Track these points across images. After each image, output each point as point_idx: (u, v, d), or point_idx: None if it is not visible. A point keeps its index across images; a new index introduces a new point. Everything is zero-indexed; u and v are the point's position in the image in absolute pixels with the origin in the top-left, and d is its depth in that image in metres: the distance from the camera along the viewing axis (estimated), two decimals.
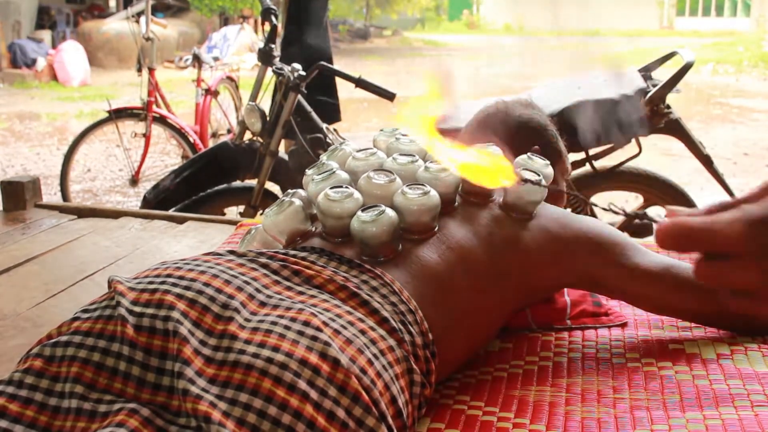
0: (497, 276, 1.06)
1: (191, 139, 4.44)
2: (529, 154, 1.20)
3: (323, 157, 1.21)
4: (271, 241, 1.11)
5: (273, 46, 2.88)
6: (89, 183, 5.34)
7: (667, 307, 1.15)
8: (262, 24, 3.06)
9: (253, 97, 2.99)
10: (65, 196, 4.24)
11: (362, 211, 1.01)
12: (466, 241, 1.05)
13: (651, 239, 2.47)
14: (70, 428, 0.77)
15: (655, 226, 0.57)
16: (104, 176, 5.49)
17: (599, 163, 2.59)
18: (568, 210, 1.33)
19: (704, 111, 8.79)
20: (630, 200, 4.02)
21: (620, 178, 2.62)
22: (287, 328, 0.82)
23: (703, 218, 0.54)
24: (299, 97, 2.73)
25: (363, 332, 0.86)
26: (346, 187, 1.06)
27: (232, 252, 0.98)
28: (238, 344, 0.81)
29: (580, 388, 1.01)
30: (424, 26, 30.19)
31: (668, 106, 2.46)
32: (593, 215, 2.56)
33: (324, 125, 2.86)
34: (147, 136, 4.38)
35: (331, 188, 1.05)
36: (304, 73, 2.71)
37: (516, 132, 1.28)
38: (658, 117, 2.40)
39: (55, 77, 10.84)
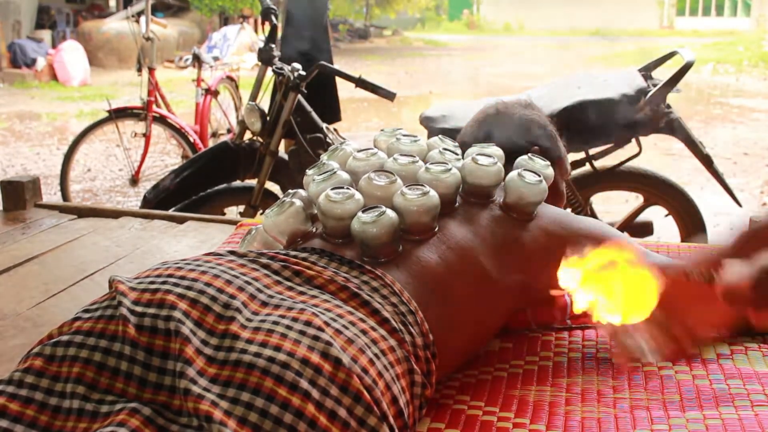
0: (498, 276, 1.06)
1: (191, 139, 4.44)
2: (529, 154, 1.20)
3: (323, 157, 1.21)
4: (272, 242, 1.11)
5: (273, 45, 2.88)
6: (89, 183, 5.34)
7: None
8: (262, 24, 3.06)
9: (253, 96, 2.99)
10: (65, 196, 4.24)
11: (363, 212, 1.01)
12: (466, 241, 1.06)
13: (650, 239, 2.47)
14: (72, 428, 0.78)
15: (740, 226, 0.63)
16: (104, 176, 5.49)
17: (599, 163, 2.59)
18: (568, 210, 1.34)
19: (704, 111, 8.79)
20: (630, 200, 4.02)
21: (620, 178, 2.62)
22: (289, 327, 0.82)
23: None
24: (299, 96, 2.73)
25: (364, 332, 0.86)
26: (347, 188, 1.06)
27: (233, 252, 0.98)
28: (240, 344, 0.81)
29: (580, 387, 1.02)
30: (424, 26, 30.19)
31: (668, 106, 2.46)
32: (593, 215, 2.56)
33: (324, 125, 2.87)
34: (147, 136, 4.38)
35: (331, 189, 1.05)
36: (304, 73, 2.71)
37: (516, 133, 1.28)
38: (658, 117, 2.40)
39: (55, 77, 10.84)
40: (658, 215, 2.74)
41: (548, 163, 1.19)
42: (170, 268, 0.90)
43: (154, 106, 4.41)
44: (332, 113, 3.48)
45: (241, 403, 0.76)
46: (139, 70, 4.55)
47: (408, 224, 1.03)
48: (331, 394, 0.78)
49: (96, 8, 14.63)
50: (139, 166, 4.46)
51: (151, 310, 0.83)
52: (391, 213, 1.01)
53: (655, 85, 2.43)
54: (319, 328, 0.82)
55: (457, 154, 1.19)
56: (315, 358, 0.79)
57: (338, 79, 3.04)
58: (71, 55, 10.82)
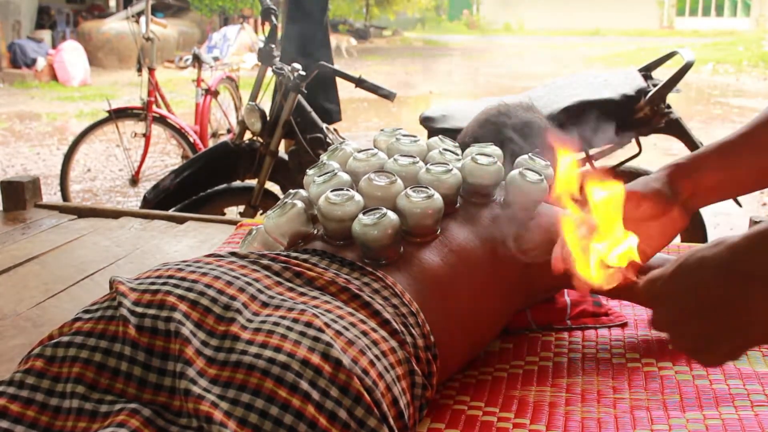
0: (498, 277, 1.06)
1: (191, 139, 4.44)
2: (530, 154, 1.20)
3: (323, 157, 1.21)
4: (273, 243, 1.11)
5: (273, 46, 2.88)
6: (89, 183, 5.34)
7: None
8: (262, 24, 3.06)
9: (253, 97, 2.99)
10: (65, 196, 4.24)
11: (364, 214, 1.01)
12: (467, 242, 1.05)
13: None
14: (71, 428, 0.78)
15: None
16: (104, 176, 5.49)
17: (599, 163, 2.59)
18: None
19: (704, 111, 8.79)
20: None
21: (620, 178, 2.62)
22: (289, 329, 0.82)
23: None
24: (299, 97, 2.73)
25: (365, 334, 0.86)
26: (347, 190, 1.06)
27: (233, 254, 0.98)
28: (240, 345, 0.81)
29: (580, 388, 1.02)
30: (424, 26, 30.19)
31: (668, 106, 2.46)
32: None
33: (324, 125, 2.87)
34: (147, 136, 4.38)
35: (332, 191, 1.05)
36: (304, 73, 2.72)
37: (516, 134, 1.28)
38: (658, 117, 2.40)
39: (55, 77, 10.84)
40: None
41: (548, 163, 1.19)
42: (171, 269, 0.90)
43: (154, 107, 4.41)
44: (332, 113, 3.48)
45: (242, 404, 0.76)
46: (139, 70, 4.55)
47: (411, 226, 1.03)
48: (332, 395, 0.78)
49: (96, 8, 14.63)
50: (139, 167, 4.46)
51: (152, 311, 0.83)
52: (392, 215, 1.01)
53: (655, 85, 2.43)
54: (320, 330, 0.82)
55: (457, 154, 1.19)
56: (315, 359, 0.79)
57: (338, 80, 3.04)
58: (71, 55, 10.83)
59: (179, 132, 4.47)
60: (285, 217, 1.08)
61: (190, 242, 1.75)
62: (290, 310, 0.86)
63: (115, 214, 1.97)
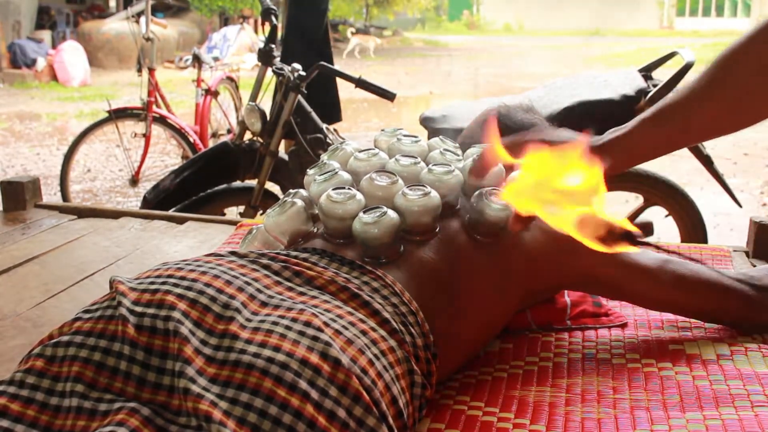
0: (499, 277, 1.06)
1: (191, 139, 4.45)
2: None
3: (324, 157, 1.21)
4: (273, 242, 1.11)
5: (273, 46, 2.88)
6: (89, 183, 5.34)
7: (667, 303, 1.16)
8: (262, 24, 3.06)
9: (253, 97, 3.00)
10: (65, 196, 4.25)
11: (364, 212, 1.01)
12: (467, 242, 1.05)
13: (650, 239, 2.47)
14: (71, 427, 0.78)
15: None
16: (104, 176, 5.49)
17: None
18: None
19: None
20: (630, 200, 4.02)
21: (620, 178, 2.62)
22: (288, 328, 0.82)
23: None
24: (299, 97, 2.73)
25: (364, 333, 0.86)
26: (348, 189, 1.06)
27: (233, 253, 0.98)
28: (239, 344, 0.81)
29: (580, 388, 1.02)
30: (424, 26, 30.21)
31: None
32: None
33: (324, 125, 2.87)
34: (147, 137, 4.38)
35: (333, 189, 1.05)
36: (304, 73, 2.72)
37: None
38: None
39: (55, 77, 10.85)
40: (658, 215, 2.74)
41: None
42: (170, 268, 0.90)
43: (154, 107, 4.41)
44: (332, 114, 3.48)
45: (240, 403, 0.76)
46: (139, 70, 4.55)
47: (409, 224, 1.03)
48: (330, 394, 0.78)
49: (96, 9, 14.64)
50: (139, 167, 4.47)
51: (151, 311, 0.83)
52: (392, 213, 1.01)
53: (655, 86, 2.43)
54: (319, 329, 0.82)
55: (457, 154, 1.19)
56: (314, 358, 0.79)
57: (338, 80, 3.04)
58: (71, 55, 10.84)
59: (179, 132, 4.47)
60: (285, 216, 1.08)
61: (190, 242, 1.75)
62: (289, 309, 0.86)
63: (115, 215, 1.97)
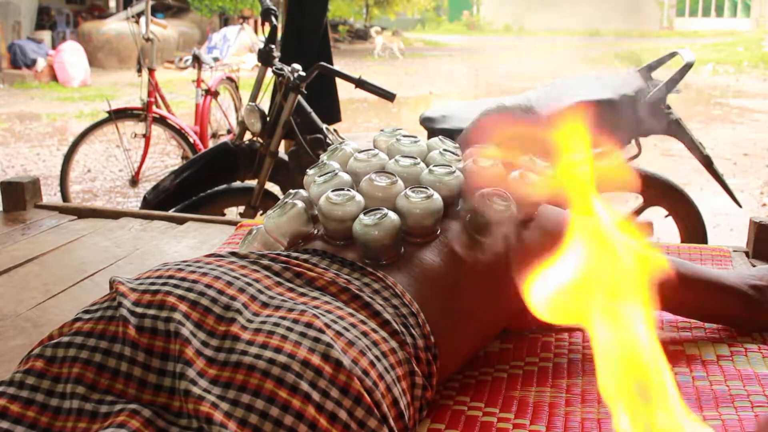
0: (499, 278, 1.06)
1: (191, 140, 4.45)
2: (530, 156, 1.20)
3: (324, 157, 1.21)
4: (273, 243, 1.11)
5: (273, 46, 2.88)
6: (89, 183, 5.34)
7: (667, 302, 1.16)
8: (262, 24, 3.06)
9: (253, 97, 3.00)
10: (65, 196, 4.25)
11: (365, 214, 1.01)
12: (468, 243, 1.05)
13: (650, 239, 2.47)
14: (71, 429, 0.77)
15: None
16: (104, 177, 5.49)
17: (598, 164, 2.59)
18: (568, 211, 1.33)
19: (704, 111, 8.80)
20: (630, 201, 4.02)
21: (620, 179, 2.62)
22: (289, 329, 0.82)
23: None
24: (299, 97, 2.73)
25: (365, 334, 0.86)
26: (348, 190, 1.05)
27: (233, 254, 0.98)
28: (240, 345, 0.81)
29: (580, 389, 1.02)
30: (424, 27, 30.20)
31: (668, 107, 2.46)
32: None
33: (324, 125, 2.87)
34: (147, 137, 4.38)
35: (332, 191, 1.05)
36: (303, 74, 2.72)
37: (515, 136, 1.28)
38: (658, 117, 2.40)
39: (55, 78, 10.84)
40: (658, 215, 2.74)
41: (549, 164, 1.19)
42: (171, 269, 0.90)
43: (154, 107, 4.41)
44: (332, 114, 3.48)
45: (242, 404, 0.76)
46: (139, 70, 4.55)
47: (410, 226, 1.03)
48: (332, 396, 0.78)
49: (96, 9, 14.65)
50: (139, 167, 4.47)
51: (152, 312, 0.83)
52: (393, 215, 1.01)
53: (655, 86, 2.44)
54: (320, 330, 0.82)
55: (457, 155, 1.19)
56: (316, 360, 0.79)
57: (338, 80, 3.04)
58: (71, 55, 10.84)
59: (179, 132, 4.47)
60: (285, 217, 1.08)
61: (190, 243, 1.75)
62: (290, 310, 0.86)
63: (115, 215, 1.97)
